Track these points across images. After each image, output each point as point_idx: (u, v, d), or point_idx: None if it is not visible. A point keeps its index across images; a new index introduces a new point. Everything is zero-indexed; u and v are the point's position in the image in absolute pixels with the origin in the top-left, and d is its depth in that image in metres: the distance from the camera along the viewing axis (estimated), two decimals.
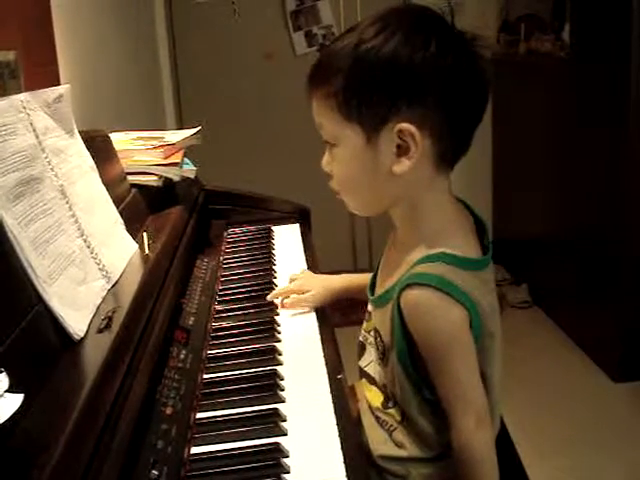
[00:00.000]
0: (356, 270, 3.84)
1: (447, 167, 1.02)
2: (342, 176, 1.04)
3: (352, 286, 1.34)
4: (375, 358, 1.11)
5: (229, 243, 1.73)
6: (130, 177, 1.52)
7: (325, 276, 1.41)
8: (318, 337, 1.23)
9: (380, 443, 1.09)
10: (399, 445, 1.07)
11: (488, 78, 1.00)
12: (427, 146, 0.97)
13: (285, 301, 1.35)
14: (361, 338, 1.17)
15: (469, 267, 1.00)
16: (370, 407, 1.13)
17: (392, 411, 1.08)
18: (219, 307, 1.35)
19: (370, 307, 1.14)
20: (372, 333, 1.11)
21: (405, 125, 0.96)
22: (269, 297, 1.37)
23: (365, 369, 1.15)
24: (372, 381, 1.13)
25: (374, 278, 1.14)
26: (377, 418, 1.10)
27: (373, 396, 1.12)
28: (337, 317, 2.03)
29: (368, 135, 0.98)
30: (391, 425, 1.08)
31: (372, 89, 0.96)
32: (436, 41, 0.96)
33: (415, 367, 1.01)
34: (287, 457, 0.89)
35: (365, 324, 1.16)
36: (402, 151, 0.97)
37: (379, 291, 1.09)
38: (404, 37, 0.96)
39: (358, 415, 1.14)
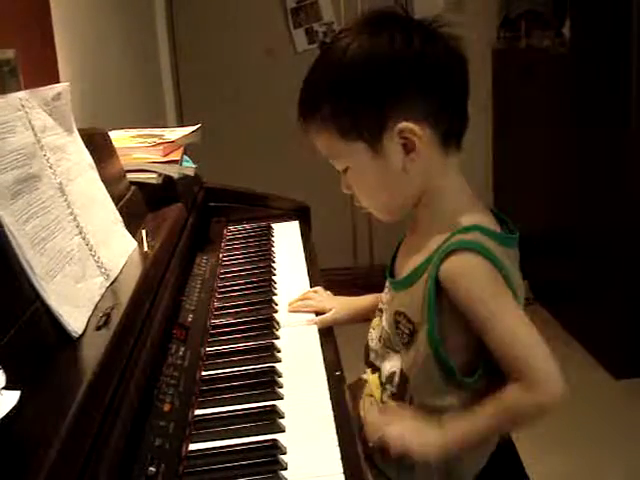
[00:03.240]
0: (356, 267, 3.84)
1: (454, 147, 1.05)
2: (365, 194, 1.08)
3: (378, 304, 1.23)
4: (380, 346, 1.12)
5: (229, 240, 1.73)
6: (129, 175, 1.51)
7: (346, 297, 1.36)
8: (317, 334, 1.23)
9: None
10: None
11: (459, 52, 1.03)
12: (429, 134, 1.01)
13: (309, 319, 1.30)
14: (369, 336, 1.18)
15: (501, 242, 1.02)
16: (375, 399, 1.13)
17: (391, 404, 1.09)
18: (218, 304, 1.35)
19: (387, 296, 1.14)
20: (388, 321, 1.10)
21: (403, 124, 0.99)
22: (289, 310, 1.33)
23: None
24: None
25: (391, 266, 1.15)
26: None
27: (375, 389, 1.13)
28: None
29: (373, 147, 1.02)
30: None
31: (359, 104, 1.01)
32: (400, 36, 1.00)
33: (443, 344, 1.01)
34: (284, 454, 0.89)
35: (374, 321, 1.17)
36: (408, 148, 1.01)
37: (402, 274, 1.09)
38: (369, 44, 1.00)
39: (356, 412, 1.15)
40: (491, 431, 1.03)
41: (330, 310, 1.30)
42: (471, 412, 1.00)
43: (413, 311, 1.04)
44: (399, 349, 1.08)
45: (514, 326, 0.98)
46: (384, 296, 1.16)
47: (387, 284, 1.15)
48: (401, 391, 1.08)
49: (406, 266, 1.09)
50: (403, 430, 1.02)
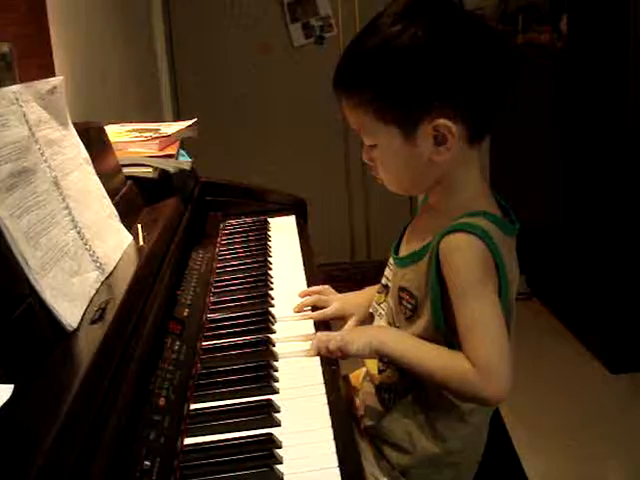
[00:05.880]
0: (353, 262, 3.83)
1: (480, 140, 1.07)
2: (386, 171, 1.09)
3: None
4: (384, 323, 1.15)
5: (225, 235, 1.73)
6: (125, 169, 1.51)
7: (352, 294, 1.32)
8: (312, 328, 1.23)
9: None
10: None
11: (507, 48, 1.05)
12: (461, 130, 1.02)
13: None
14: (371, 310, 1.21)
15: (505, 230, 1.05)
16: (371, 379, 1.15)
17: (388, 372, 1.11)
18: (214, 299, 1.35)
19: (390, 273, 1.16)
20: (393, 297, 1.12)
21: (441, 121, 1.00)
22: (304, 317, 1.27)
23: None
24: None
25: (398, 244, 1.17)
26: (378, 391, 1.14)
27: (371, 365, 1.15)
28: None
29: (405, 134, 1.03)
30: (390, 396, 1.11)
31: (404, 93, 1.01)
32: (453, 32, 1.00)
33: (445, 318, 1.03)
34: (280, 448, 0.89)
35: (377, 296, 1.20)
36: (439, 141, 1.02)
37: (408, 251, 1.12)
38: (423, 37, 0.99)
39: (351, 405, 1.15)
40: (424, 372, 1.03)
41: (350, 315, 1.27)
42: (422, 344, 1.04)
43: (416, 286, 1.07)
44: (400, 325, 1.11)
45: (481, 313, 0.99)
46: (388, 272, 1.18)
47: (391, 261, 1.17)
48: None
49: (413, 244, 1.11)
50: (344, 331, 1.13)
